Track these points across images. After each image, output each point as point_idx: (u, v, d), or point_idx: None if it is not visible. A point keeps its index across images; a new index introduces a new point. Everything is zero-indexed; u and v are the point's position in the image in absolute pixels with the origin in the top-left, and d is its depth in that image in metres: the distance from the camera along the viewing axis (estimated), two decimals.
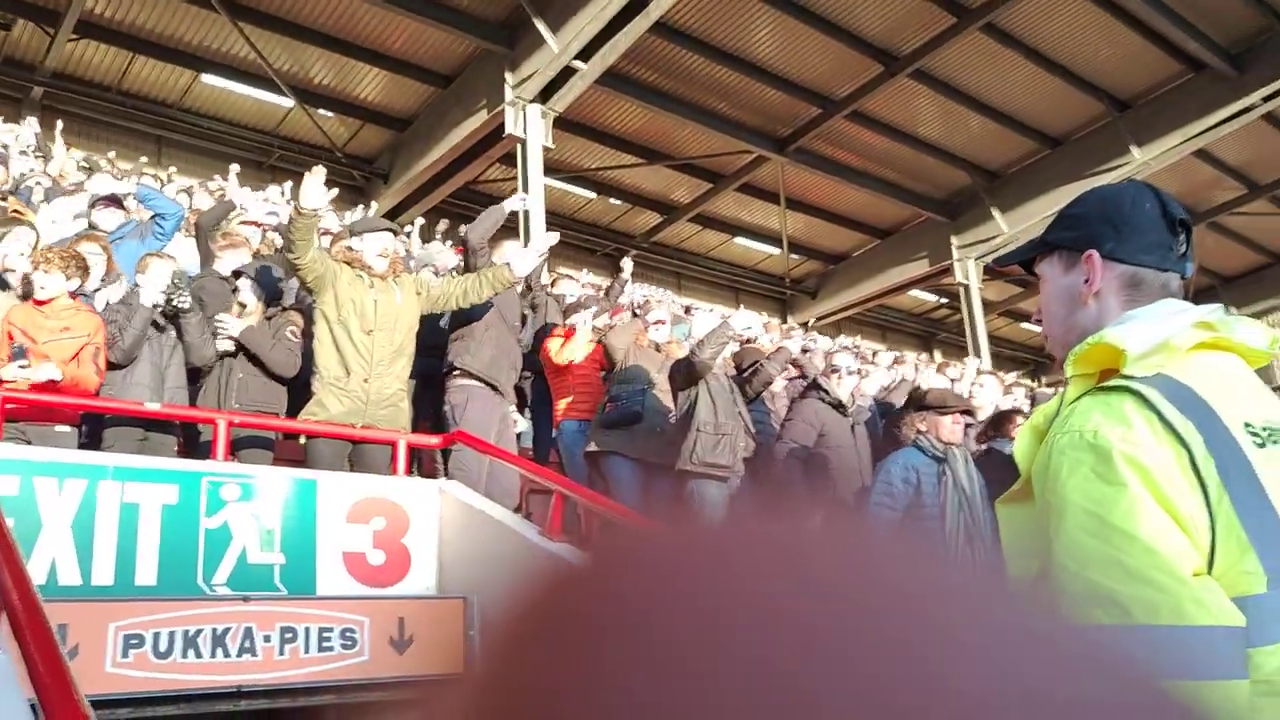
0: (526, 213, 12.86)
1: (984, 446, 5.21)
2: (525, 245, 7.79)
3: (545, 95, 13.58)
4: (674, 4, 12.25)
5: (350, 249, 4.95)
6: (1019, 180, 18.77)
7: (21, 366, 4.19)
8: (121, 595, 3.47)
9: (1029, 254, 1.45)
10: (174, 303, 4.84)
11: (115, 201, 6.60)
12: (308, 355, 5.02)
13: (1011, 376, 15.39)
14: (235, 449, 4.94)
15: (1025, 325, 25.47)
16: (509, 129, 13.62)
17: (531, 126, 13.59)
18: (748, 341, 6.96)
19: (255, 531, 3.92)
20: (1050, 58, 15.60)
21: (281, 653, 3.48)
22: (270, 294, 5.51)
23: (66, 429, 4.48)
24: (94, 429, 4.80)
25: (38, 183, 8.39)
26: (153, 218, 6.19)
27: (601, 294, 8.25)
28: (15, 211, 6.29)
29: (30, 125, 12.12)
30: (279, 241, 6.67)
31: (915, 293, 23.97)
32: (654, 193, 20.28)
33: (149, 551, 3.64)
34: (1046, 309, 1.42)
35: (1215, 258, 22.01)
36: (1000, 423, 5.34)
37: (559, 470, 6.25)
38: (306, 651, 3.54)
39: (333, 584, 4.00)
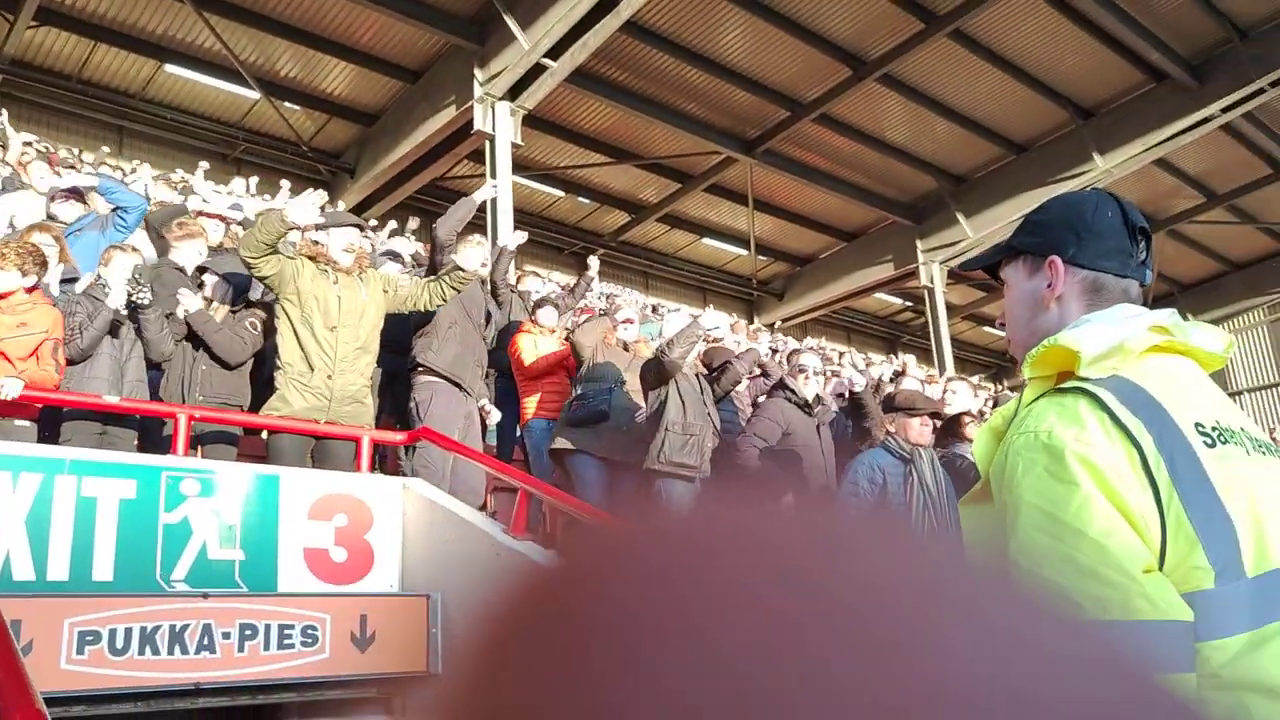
0: (495, 209, 12.83)
1: (940, 453, 5.26)
2: (493, 242, 7.78)
3: (515, 92, 13.54)
4: (645, 3, 12.26)
5: (316, 243, 4.91)
6: (984, 185, 18.99)
7: None
8: (77, 591, 3.41)
9: (994, 259, 1.47)
10: (133, 299, 4.77)
11: (76, 194, 6.50)
12: (272, 350, 4.97)
13: (975, 379, 15.55)
14: (199, 444, 4.88)
15: (988, 329, 25.79)
16: (478, 125, 13.56)
17: (500, 123, 13.55)
18: (715, 341, 6.99)
19: (215, 527, 3.87)
20: (1016, 65, 15.80)
21: (241, 650, 3.45)
22: (238, 289, 5.44)
23: (26, 423, 4.41)
24: (52, 423, 4.72)
25: None
26: (114, 210, 6.10)
27: (567, 292, 8.23)
28: None
29: None
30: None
31: (880, 296, 24.18)
32: (622, 192, 20.29)
33: (106, 547, 3.58)
34: (1010, 313, 1.44)
35: (1174, 265, 22.42)
36: (951, 427, 5.40)
37: (525, 468, 6.25)
38: (266, 649, 3.51)
39: (294, 581, 3.97)
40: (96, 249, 5.69)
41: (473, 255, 5.53)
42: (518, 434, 6.87)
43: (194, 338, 5.06)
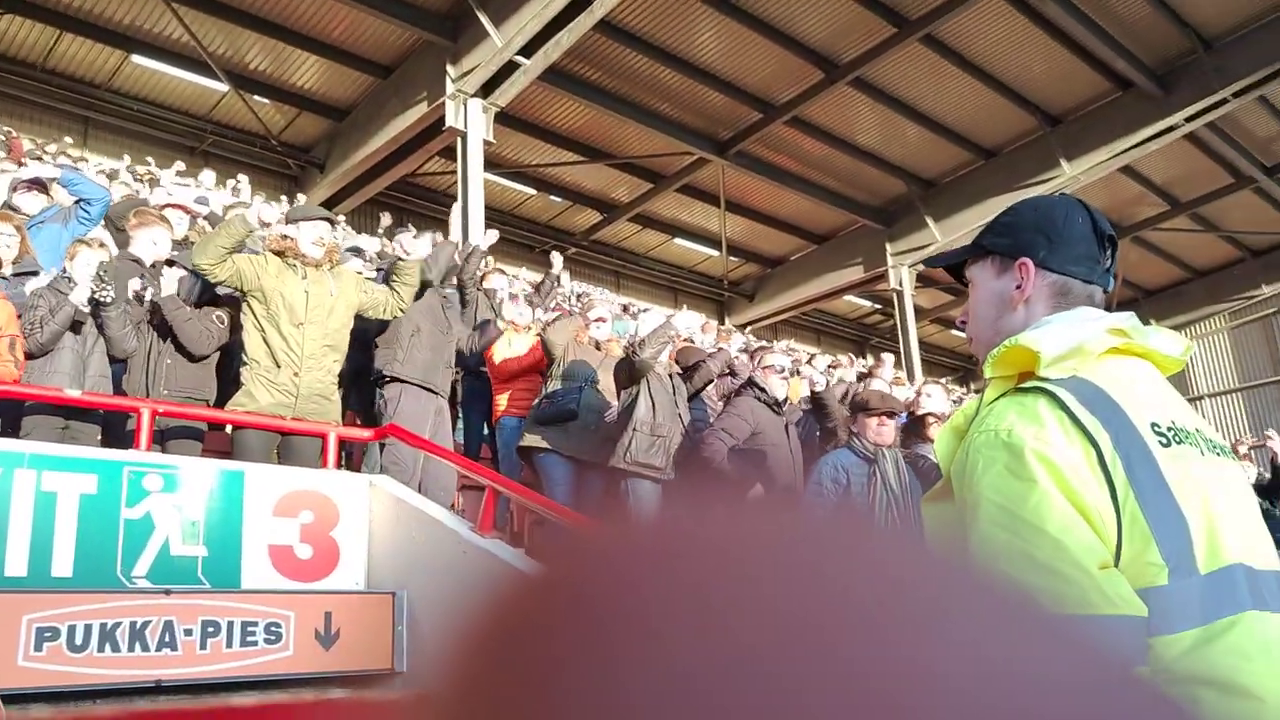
0: (466, 207, 12.77)
1: (903, 453, 5.33)
2: (462, 241, 7.74)
3: (487, 89, 13.50)
4: (618, 3, 12.27)
5: (284, 237, 4.86)
6: (952, 190, 19.18)
7: None
8: (35, 587, 3.36)
9: (962, 256, 1.49)
10: (96, 296, 4.70)
11: (38, 185, 6.39)
12: (238, 346, 4.91)
13: (944, 381, 15.69)
14: (163, 439, 4.82)
15: (956, 332, 26.02)
16: (449, 122, 13.50)
17: (472, 120, 13.50)
18: (686, 341, 7.02)
19: (178, 523, 3.82)
20: (986, 71, 15.98)
21: (203, 647, 3.41)
22: (205, 284, 5.36)
23: None
24: (12, 417, 4.64)
25: None
26: (77, 203, 6.00)
27: (534, 290, 8.22)
28: None
29: None
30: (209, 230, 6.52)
31: (850, 298, 24.36)
32: (594, 191, 20.28)
33: (65, 542, 3.53)
34: (975, 312, 1.45)
35: (1138, 271, 22.76)
36: (916, 427, 5.47)
37: (493, 466, 6.23)
38: (229, 646, 3.47)
39: (258, 577, 3.93)
40: (59, 242, 5.60)
41: (417, 246, 5.45)
42: (485, 432, 6.86)
43: (160, 327, 5.00)
